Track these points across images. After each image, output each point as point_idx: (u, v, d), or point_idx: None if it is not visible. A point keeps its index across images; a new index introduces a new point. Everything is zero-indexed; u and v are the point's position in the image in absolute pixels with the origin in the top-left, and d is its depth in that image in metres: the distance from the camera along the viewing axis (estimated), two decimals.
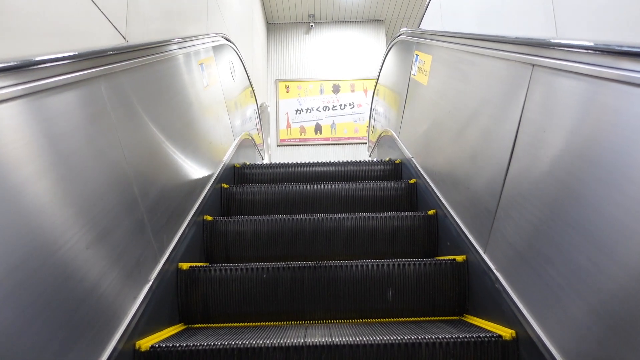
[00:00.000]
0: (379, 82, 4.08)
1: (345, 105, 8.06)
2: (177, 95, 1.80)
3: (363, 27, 8.44)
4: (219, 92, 2.59)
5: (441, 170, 1.90)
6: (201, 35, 2.31)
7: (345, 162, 2.93)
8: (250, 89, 4.27)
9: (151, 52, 1.57)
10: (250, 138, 3.62)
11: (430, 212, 1.88)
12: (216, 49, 2.68)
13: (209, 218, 1.91)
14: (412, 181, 2.27)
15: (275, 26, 8.41)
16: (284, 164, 3.09)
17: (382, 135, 3.58)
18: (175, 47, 1.86)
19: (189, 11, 2.81)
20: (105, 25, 1.29)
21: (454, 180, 1.73)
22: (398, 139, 2.87)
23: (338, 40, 8.36)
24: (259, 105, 6.46)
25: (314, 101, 8.06)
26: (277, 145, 7.88)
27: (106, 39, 1.29)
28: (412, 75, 2.64)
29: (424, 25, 3.49)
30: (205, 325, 1.56)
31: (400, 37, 3.07)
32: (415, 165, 2.31)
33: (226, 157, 2.55)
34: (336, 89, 8.13)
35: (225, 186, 2.29)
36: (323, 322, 1.54)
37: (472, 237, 1.46)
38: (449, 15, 2.85)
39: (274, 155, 7.79)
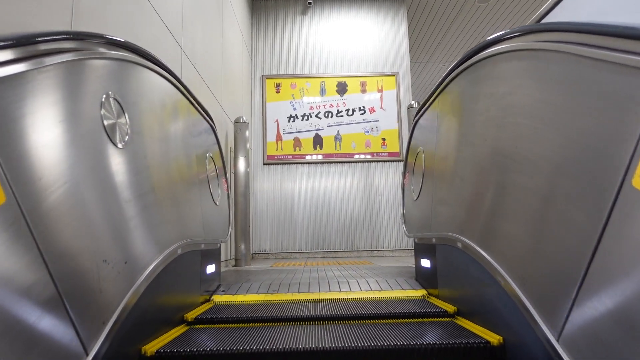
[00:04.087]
0: (430, 105, 2.18)
1: (353, 111, 6.15)
2: None
3: (377, 7, 6.44)
4: None
5: None
6: None
7: None
8: (205, 122, 2.39)
9: None
10: (194, 246, 1.76)
11: None
12: None
13: None
14: None
15: (262, 4, 6.41)
16: None
17: (444, 237, 1.73)
18: None
19: None
20: None
21: None
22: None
23: (344, 23, 6.38)
24: (232, 124, 4.57)
25: (312, 104, 6.14)
26: (264, 164, 6.00)
27: None
28: None
29: (563, 16, 1.59)
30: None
31: (558, 43, 1.19)
32: None
33: None
34: (342, 89, 6.20)
35: None
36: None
37: None
38: None
39: (259, 180, 5.91)
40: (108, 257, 1.12)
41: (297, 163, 6.01)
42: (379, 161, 6.03)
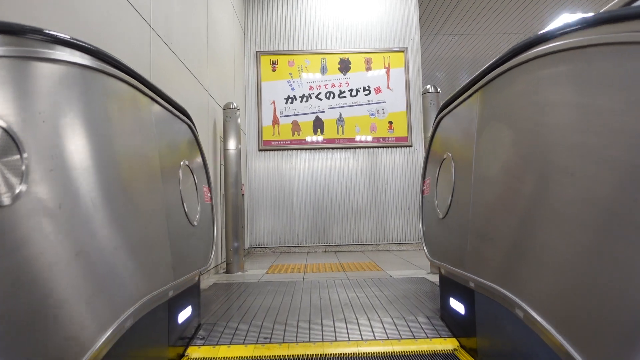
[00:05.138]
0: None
1: (357, 91, 5.60)
2: None
3: None
4: None
5: None
6: None
7: None
8: (191, 135, 1.89)
9: None
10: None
11: None
12: None
13: None
14: None
15: None
16: None
17: (490, 290, 1.27)
18: None
19: None
20: None
21: None
22: None
23: None
24: (222, 110, 4.04)
25: (312, 84, 5.58)
26: (259, 150, 5.50)
27: None
28: None
29: None
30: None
31: None
32: None
33: None
34: (345, 66, 5.62)
35: None
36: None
37: None
38: None
39: (253, 168, 5.43)
40: None
41: (295, 149, 5.51)
42: (386, 147, 5.53)
